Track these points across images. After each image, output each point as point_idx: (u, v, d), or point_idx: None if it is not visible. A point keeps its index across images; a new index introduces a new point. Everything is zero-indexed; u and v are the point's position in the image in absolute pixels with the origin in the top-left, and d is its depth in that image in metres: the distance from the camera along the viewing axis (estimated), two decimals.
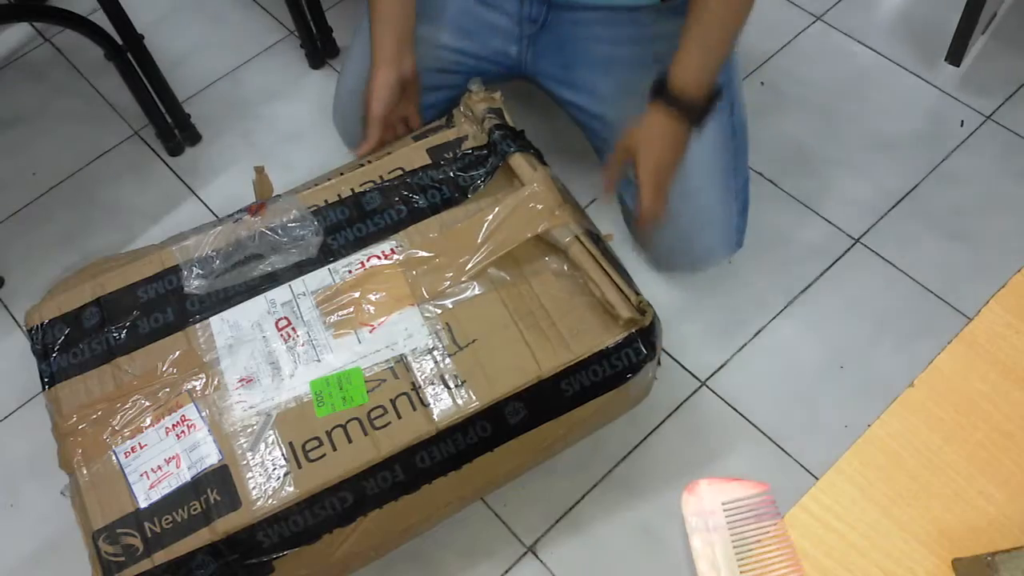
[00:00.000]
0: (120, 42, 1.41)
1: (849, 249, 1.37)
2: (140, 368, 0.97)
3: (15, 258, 1.46)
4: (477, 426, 0.94)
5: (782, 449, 1.21)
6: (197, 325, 0.99)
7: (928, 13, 1.62)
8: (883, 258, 1.36)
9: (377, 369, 0.96)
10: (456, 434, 0.94)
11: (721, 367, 1.28)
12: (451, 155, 1.10)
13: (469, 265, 1.01)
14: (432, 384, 0.95)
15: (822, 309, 1.32)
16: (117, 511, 0.90)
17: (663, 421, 1.24)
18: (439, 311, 0.99)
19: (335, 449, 0.92)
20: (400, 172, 1.09)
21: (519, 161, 1.07)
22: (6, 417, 1.32)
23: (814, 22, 1.64)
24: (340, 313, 0.99)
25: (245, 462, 0.91)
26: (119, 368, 0.97)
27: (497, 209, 1.03)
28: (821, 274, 1.35)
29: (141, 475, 0.91)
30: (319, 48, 1.63)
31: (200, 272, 1.03)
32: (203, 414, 0.94)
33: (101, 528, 0.90)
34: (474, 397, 0.94)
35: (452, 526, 1.16)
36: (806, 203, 1.42)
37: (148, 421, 0.94)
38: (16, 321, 1.40)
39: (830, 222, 1.40)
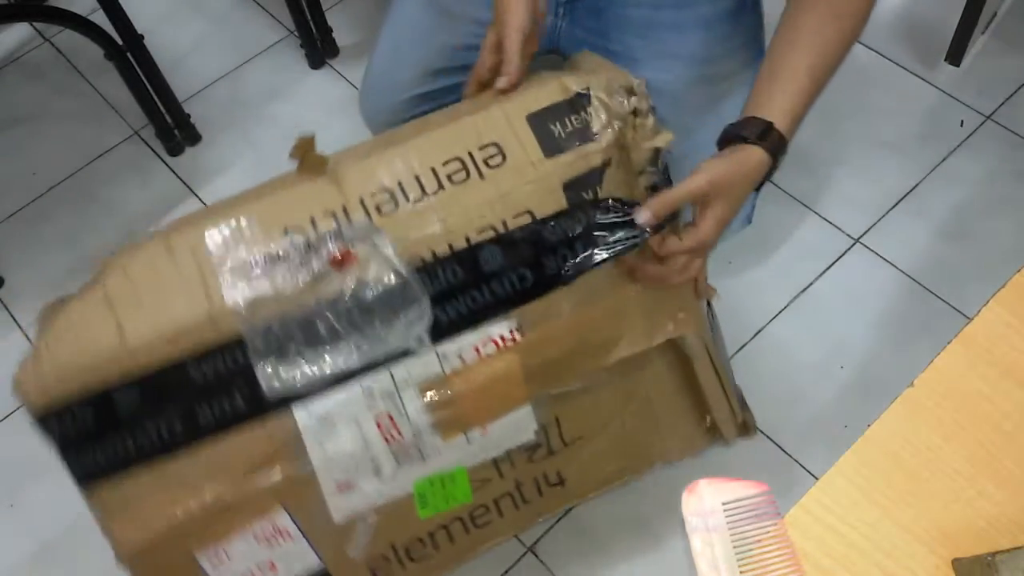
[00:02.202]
0: (120, 42, 1.41)
1: (849, 249, 1.37)
2: (210, 468, 0.79)
3: (15, 258, 1.46)
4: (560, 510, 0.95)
5: (782, 449, 1.21)
6: (277, 418, 0.79)
7: (928, 13, 1.62)
8: (883, 258, 1.36)
9: (483, 467, 0.86)
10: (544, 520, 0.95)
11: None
12: (590, 195, 0.83)
13: (594, 367, 0.86)
14: (535, 483, 0.90)
15: (822, 309, 1.32)
16: None
17: None
18: (552, 404, 0.86)
19: (437, 549, 0.89)
20: (529, 219, 0.81)
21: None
22: (6, 417, 1.32)
23: None
24: (449, 410, 0.82)
25: (347, 567, 0.85)
26: (183, 467, 0.78)
27: (629, 301, 0.86)
28: (821, 274, 1.35)
29: None
30: (319, 48, 1.63)
31: (272, 353, 0.78)
32: (297, 522, 0.82)
33: None
34: (570, 496, 0.93)
35: None
36: (806, 203, 1.42)
37: (233, 532, 0.81)
38: (16, 321, 1.40)
39: (830, 222, 1.40)
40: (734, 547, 0.58)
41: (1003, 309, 0.68)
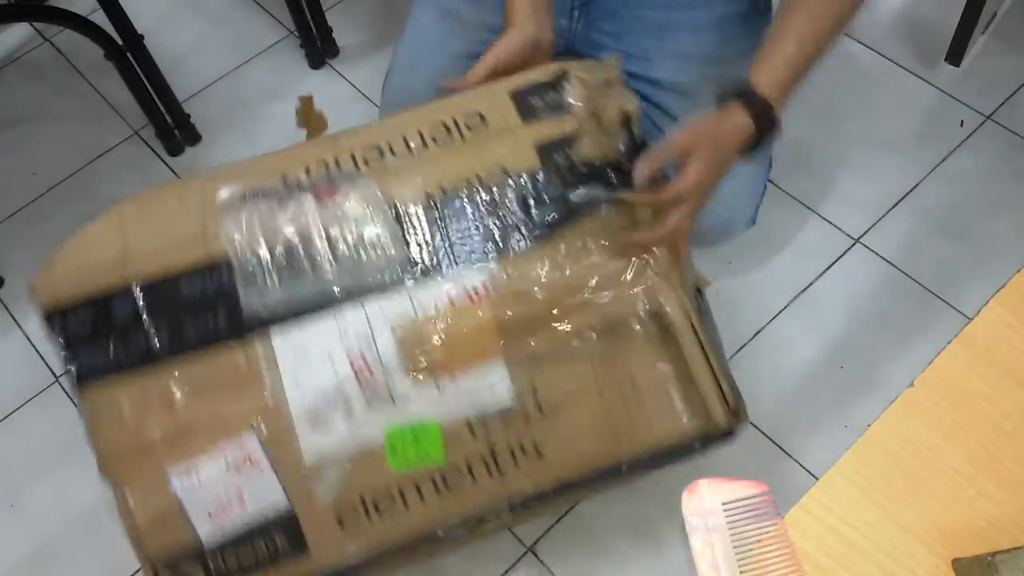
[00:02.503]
0: (120, 42, 1.41)
1: (849, 249, 1.37)
2: (189, 383, 0.85)
3: (15, 258, 1.46)
4: (547, 493, 0.91)
5: (782, 449, 1.21)
6: (256, 341, 0.85)
7: (928, 13, 1.62)
8: (883, 258, 1.36)
9: (456, 425, 0.87)
10: (526, 502, 0.90)
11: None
12: (563, 158, 0.90)
13: (569, 321, 0.88)
14: (510, 450, 0.88)
15: (822, 309, 1.32)
16: (175, 543, 0.85)
17: None
18: (528, 368, 0.88)
19: (406, 507, 0.87)
20: (502, 174, 0.90)
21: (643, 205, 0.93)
22: (6, 417, 1.32)
23: None
24: (421, 355, 0.86)
25: (313, 509, 0.85)
26: (165, 377, 0.85)
27: (608, 262, 0.89)
28: (821, 274, 1.35)
29: (200, 506, 0.85)
30: (319, 48, 1.63)
31: (256, 276, 0.86)
32: (266, 450, 0.84)
33: (162, 558, 0.85)
34: (550, 471, 0.89)
35: None
36: (806, 203, 1.42)
37: (205, 449, 0.84)
38: (16, 321, 1.40)
39: (830, 222, 1.40)
40: (734, 547, 0.59)
41: (1003, 309, 0.68)
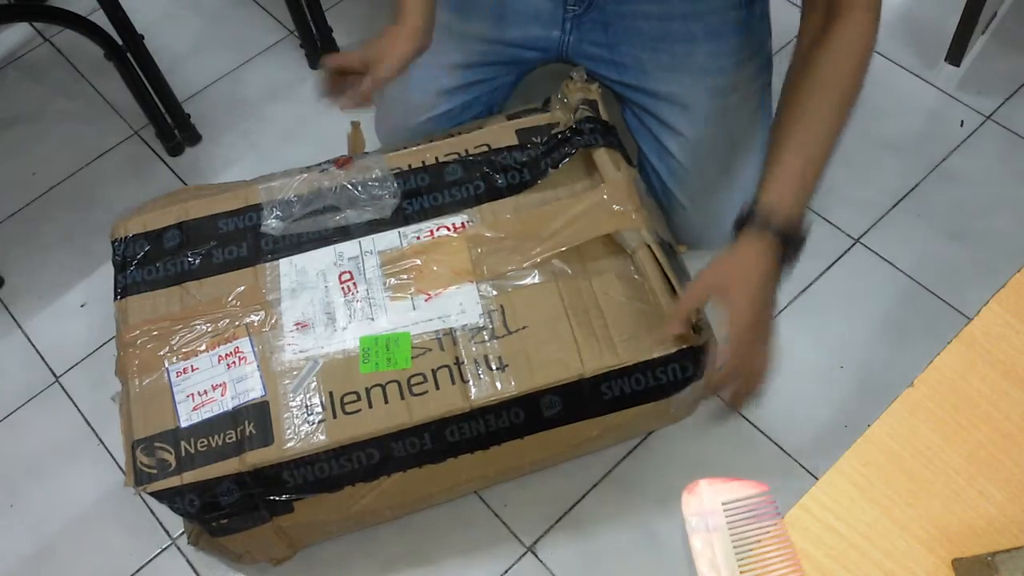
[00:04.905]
0: (120, 42, 1.41)
1: (849, 249, 1.37)
2: (206, 295, 1.02)
3: (15, 258, 1.46)
4: (511, 411, 0.95)
5: (782, 449, 1.21)
6: (267, 264, 1.04)
7: (928, 13, 1.62)
8: (883, 258, 1.36)
9: (425, 337, 0.98)
10: (488, 415, 0.95)
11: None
12: (539, 139, 1.10)
13: (535, 252, 1.01)
14: (475, 362, 0.96)
15: (822, 309, 1.32)
16: (158, 425, 0.95)
17: None
18: (496, 292, 1.00)
19: (371, 407, 0.94)
20: (486, 149, 1.10)
21: (603, 157, 1.07)
22: (6, 417, 1.32)
23: None
24: (401, 276, 1.02)
25: (285, 402, 0.95)
26: (187, 292, 1.03)
27: (573, 201, 1.03)
28: (821, 274, 1.35)
29: (187, 396, 0.96)
30: (319, 48, 1.63)
31: (279, 214, 1.07)
32: (256, 349, 0.98)
33: (141, 439, 0.94)
34: (513, 383, 0.95)
35: (452, 526, 1.16)
36: None
37: (204, 346, 0.99)
38: (16, 321, 1.40)
39: (830, 222, 1.40)
40: (734, 547, 0.59)
41: (1003, 309, 0.68)
